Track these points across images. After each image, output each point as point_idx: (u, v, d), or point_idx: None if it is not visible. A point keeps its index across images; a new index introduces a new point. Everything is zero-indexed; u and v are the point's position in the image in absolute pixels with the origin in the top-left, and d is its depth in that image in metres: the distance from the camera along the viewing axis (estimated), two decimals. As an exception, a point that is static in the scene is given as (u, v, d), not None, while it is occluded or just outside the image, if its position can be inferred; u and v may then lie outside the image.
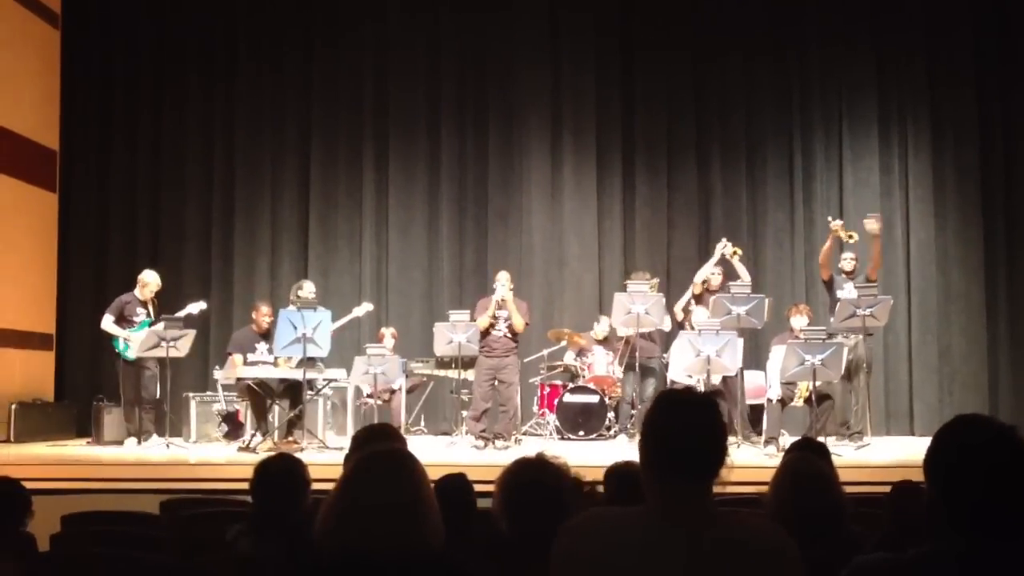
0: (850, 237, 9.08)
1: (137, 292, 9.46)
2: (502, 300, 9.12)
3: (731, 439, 8.67)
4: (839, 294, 8.99)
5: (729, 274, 9.72)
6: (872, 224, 9.01)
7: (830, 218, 9.51)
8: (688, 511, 2.02)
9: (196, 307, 9.71)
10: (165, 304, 9.71)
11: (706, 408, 2.11)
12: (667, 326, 9.68)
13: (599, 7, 11.75)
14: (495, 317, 9.13)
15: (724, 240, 9.75)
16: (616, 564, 1.98)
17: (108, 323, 9.33)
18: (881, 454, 8.45)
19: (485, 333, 9.15)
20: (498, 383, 9.14)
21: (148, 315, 9.38)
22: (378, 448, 2.46)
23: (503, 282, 9.20)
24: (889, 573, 1.91)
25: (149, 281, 9.47)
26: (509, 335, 9.17)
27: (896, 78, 11.56)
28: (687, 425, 2.06)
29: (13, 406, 10.02)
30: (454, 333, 9.26)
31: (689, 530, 1.99)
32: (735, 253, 9.58)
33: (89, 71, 11.77)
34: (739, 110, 11.69)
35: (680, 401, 2.16)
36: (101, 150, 11.81)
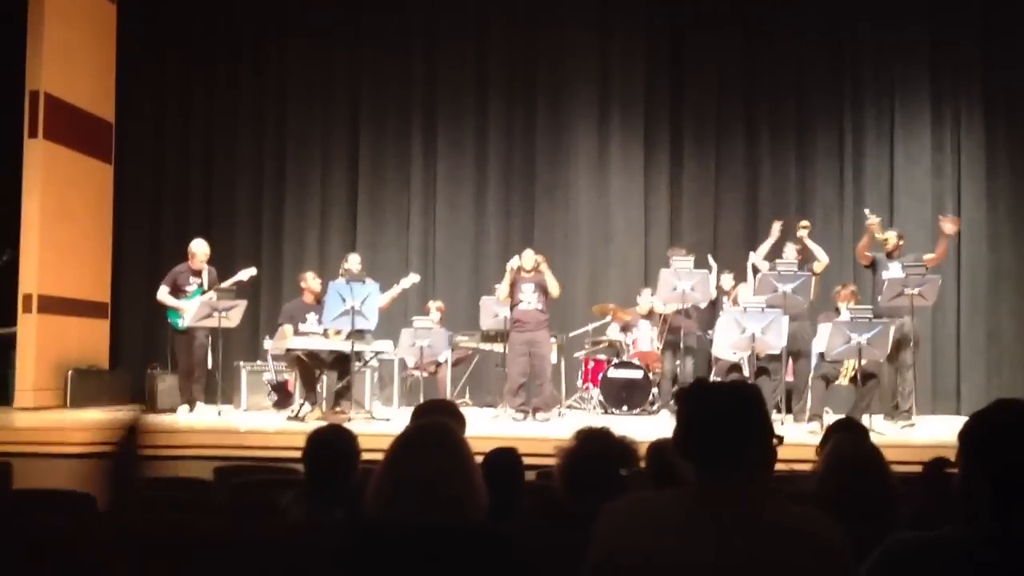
0: (886, 241, 8.91)
1: (189, 262, 9.67)
2: (524, 270, 9.22)
3: (775, 416, 8.69)
4: (884, 275, 8.85)
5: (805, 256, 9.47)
6: (949, 227, 8.94)
7: (867, 211, 9.28)
8: (726, 495, 2.02)
9: (246, 273, 9.88)
10: (223, 274, 9.90)
11: (745, 399, 2.10)
12: (704, 302, 9.68)
13: (650, -18, 11.71)
14: (521, 290, 9.19)
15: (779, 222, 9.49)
16: (654, 547, 2.00)
17: (163, 294, 9.53)
18: (926, 433, 8.42)
19: (514, 308, 9.21)
20: (532, 356, 9.21)
21: (200, 284, 9.57)
22: (422, 422, 2.55)
23: (528, 256, 9.27)
24: (924, 551, 1.95)
25: (196, 251, 9.65)
26: (540, 307, 9.23)
27: (950, 55, 11.39)
28: (724, 417, 2.06)
29: (70, 373, 10.29)
30: (500, 307, 9.34)
31: (727, 514, 1.99)
32: (804, 227, 9.28)
33: (144, 45, 11.93)
34: (789, 86, 11.59)
35: (717, 391, 2.15)
36: (155, 122, 12.03)
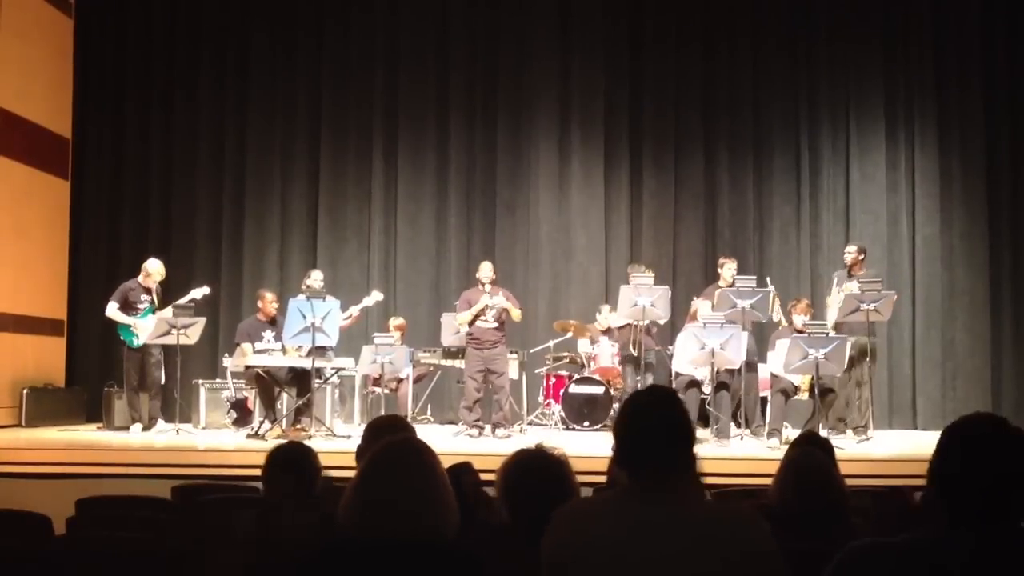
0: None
1: (140, 279, 9.55)
2: (481, 283, 9.22)
3: (735, 431, 8.75)
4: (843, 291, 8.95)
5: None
6: None
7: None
8: (656, 492, 2.24)
9: (199, 292, 9.73)
10: (172, 292, 9.78)
11: (667, 407, 2.34)
12: (664, 319, 9.75)
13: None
14: (486, 307, 9.17)
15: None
16: (591, 541, 2.22)
17: (113, 310, 9.41)
18: (883, 447, 8.52)
19: (472, 324, 9.21)
20: (489, 373, 9.20)
21: (152, 302, 9.47)
22: (393, 439, 2.55)
23: (486, 272, 9.26)
24: (882, 557, 1.98)
25: (152, 271, 9.55)
26: (497, 326, 9.23)
27: (904, 73, 11.57)
28: (650, 423, 2.31)
29: (25, 391, 10.15)
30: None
31: (661, 511, 2.21)
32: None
33: (102, 60, 11.85)
34: (747, 104, 11.72)
35: (645, 401, 2.38)
36: (113, 138, 11.91)
